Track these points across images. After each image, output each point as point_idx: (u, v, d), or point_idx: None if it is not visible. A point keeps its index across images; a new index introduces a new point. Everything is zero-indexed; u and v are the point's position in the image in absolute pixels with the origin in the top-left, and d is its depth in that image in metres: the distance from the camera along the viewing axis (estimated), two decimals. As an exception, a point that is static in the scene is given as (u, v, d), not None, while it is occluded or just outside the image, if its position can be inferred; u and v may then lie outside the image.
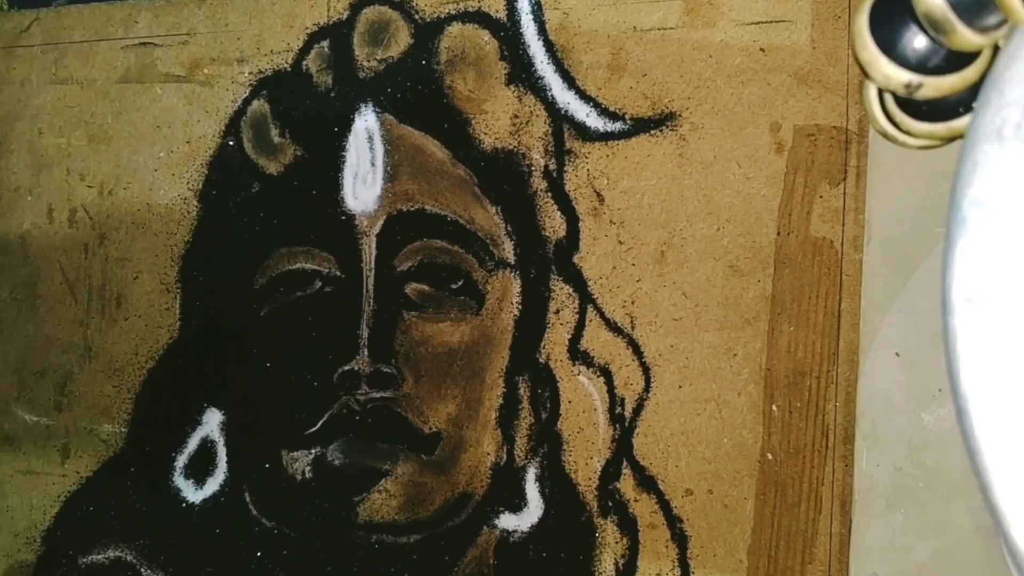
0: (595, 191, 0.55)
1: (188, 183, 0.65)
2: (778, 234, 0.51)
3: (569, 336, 0.55)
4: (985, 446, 0.27)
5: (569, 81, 0.55)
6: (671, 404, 0.53)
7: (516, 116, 0.56)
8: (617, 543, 0.54)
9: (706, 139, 0.53)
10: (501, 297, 0.56)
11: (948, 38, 0.34)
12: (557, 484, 0.55)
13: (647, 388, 0.53)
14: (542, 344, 0.56)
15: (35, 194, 0.68)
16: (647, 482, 0.53)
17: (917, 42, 0.36)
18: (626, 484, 0.54)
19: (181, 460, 0.65)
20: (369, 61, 0.60)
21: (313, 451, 0.61)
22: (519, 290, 0.56)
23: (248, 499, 0.64)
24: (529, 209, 0.56)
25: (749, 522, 0.51)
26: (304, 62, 0.62)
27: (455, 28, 0.58)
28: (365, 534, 0.60)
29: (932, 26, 0.34)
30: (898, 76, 0.36)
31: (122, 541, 0.65)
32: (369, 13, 0.60)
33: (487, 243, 0.57)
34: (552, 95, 0.56)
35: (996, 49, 0.34)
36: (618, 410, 0.54)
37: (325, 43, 0.62)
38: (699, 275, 0.52)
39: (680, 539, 0.53)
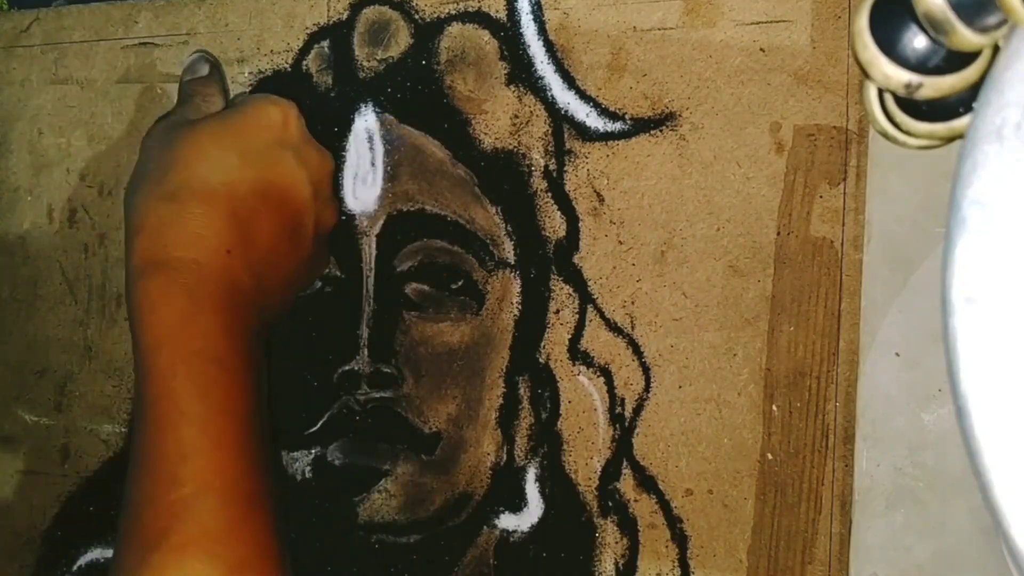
0: (595, 191, 0.55)
1: (188, 183, 0.65)
2: (778, 234, 0.51)
3: (569, 336, 0.55)
4: (985, 446, 0.27)
5: (569, 81, 0.55)
6: (671, 404, 0.53)
7: (516, 116, 0.56)
8: (617, 543, 0.54)
9: (706, 139, 0.53)
10: (501, 297, 0.56)
11: (948, 38, 0.34)
12: (557, 484, 0.55)
13: (647, 388, 0.53)
14: (542, 344, 0.55)
15: (35, 194, 0.68)
16: (647, 482, 0.53)
17: (917, 42, 0.36)
18: (626, 484, 0.54)
19: (181, 460, 0.65)
20: (369, 61, 0.60)
21: (313, 451, 0.61)
22: (519, 290, 0.56)
23: (248, 499, 0.64)
24: (529, 209, 0.56)
25: (749, 522, 0.51)
26: (304, 62, 0.62)
27: (455, 28, 0.58)
28: (365, 534, 0.60)
29: (932, 26, 0.34)
30: (898, 76, 0.36)
31: (122, 541, 0.65)
32: (369, 13, 0.60)
33: (487, 243, 0.57)
34: (552, 95, 0.56)
35: (996, 49, 0.34)
36: (618, 410, 0.54)
37: (325, 43, 0.62)
38: (699, 275, 0.52)
39: (680, 539, 0.53)
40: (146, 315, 0.49)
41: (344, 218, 0.60)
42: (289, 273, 0.55)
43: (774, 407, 0.51)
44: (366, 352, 0.59)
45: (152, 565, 0.45)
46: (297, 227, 0.54)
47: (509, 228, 0.56)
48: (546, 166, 0.56)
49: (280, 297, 0.55)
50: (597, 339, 0.54)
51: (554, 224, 0.55)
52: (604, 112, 0.54)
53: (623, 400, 0.54)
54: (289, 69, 0.62)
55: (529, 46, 0.56)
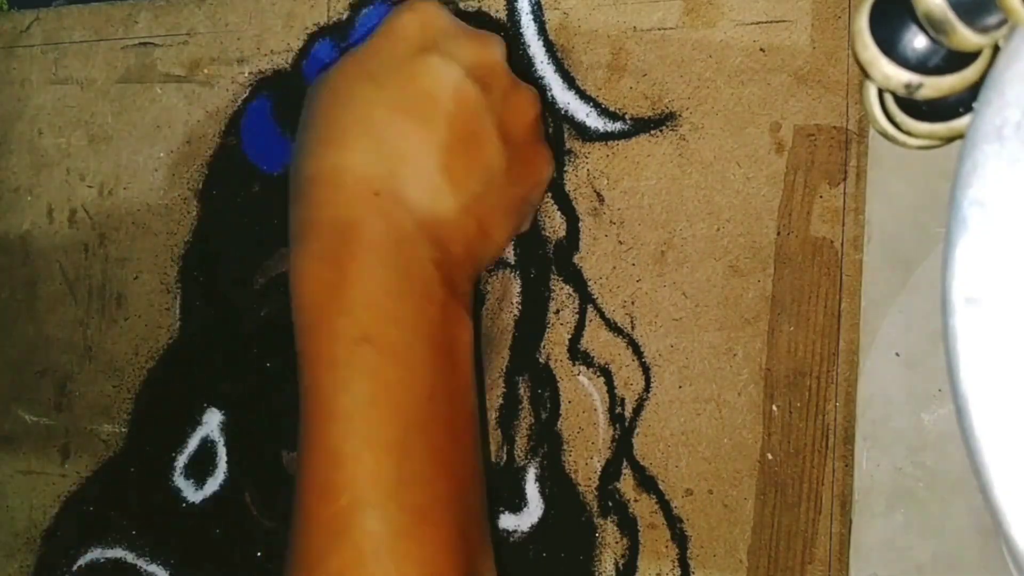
0: (595, 191, 0.55)
1: (188, 183, 0.65)
2: (778, 234, 0.51)
3: (569, 336, 0.55)
4: (985, 446, 0.27)
5: (569, 81, 0.55)
6: (671, 404, 0.53)
7: (516, 116, 0.56)
8: (617, 543, 0.54)
9: (706, 139, 0.53)
10: (501, 297, 0.56)
11: (948, 38, 0.34)
12: (557, 484, 0.55)
13: (647, 388, 0.53)
14: (542, 344, 0.55)
15: (35, 194, 0.68)
16: (647, 482, 0.53)
17: (917, 42, 0.36)
18: (626, 484, 0.54)
19: (181, 460, 0.65)
20: (369, 61, 0.60)
21: (313, 451, 0.62)
22: (519, 290, 0.56)
23: (248, 499, 0.64)
24: (529, 209, 0.56)
25: (749, 522, 0.51)
26: (304, 62, 0.62)
27: (455, 28, 0.58)
28: (365, 534, 0.60)
29: (932, 26, 0.34)
30: (898, 76, 0.37)
31: (122, 541, 0.65)
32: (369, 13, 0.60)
33: (487, 243, 0.57)
34: (552, 95, 0.56)
35: (996, 49, 0.34)
36: (618, 410, 0.54)
37: (325, 43, 0.62)
38: (699, 275, 0.52)
39: (680, 539, 0.53)
40: (295, 288, 0.44)
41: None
42: (477, 192, 0.45)
43: (774, 407, 0.51)
44: (366, 352, 0.59)
45: None
46: (466, 132, 0.45)
47: (509, 228, 0.56)
48: (546, 166, 0.55)
49: (479, 227, 0.46)
50: (597, 339, 0.54)
51: (554, 224, 0.55)
52: (604, 112, 0.54)
53: (623, 400, 0.54)
54: (289, 69, 0.62)
55: (529, 46, 0.56)
